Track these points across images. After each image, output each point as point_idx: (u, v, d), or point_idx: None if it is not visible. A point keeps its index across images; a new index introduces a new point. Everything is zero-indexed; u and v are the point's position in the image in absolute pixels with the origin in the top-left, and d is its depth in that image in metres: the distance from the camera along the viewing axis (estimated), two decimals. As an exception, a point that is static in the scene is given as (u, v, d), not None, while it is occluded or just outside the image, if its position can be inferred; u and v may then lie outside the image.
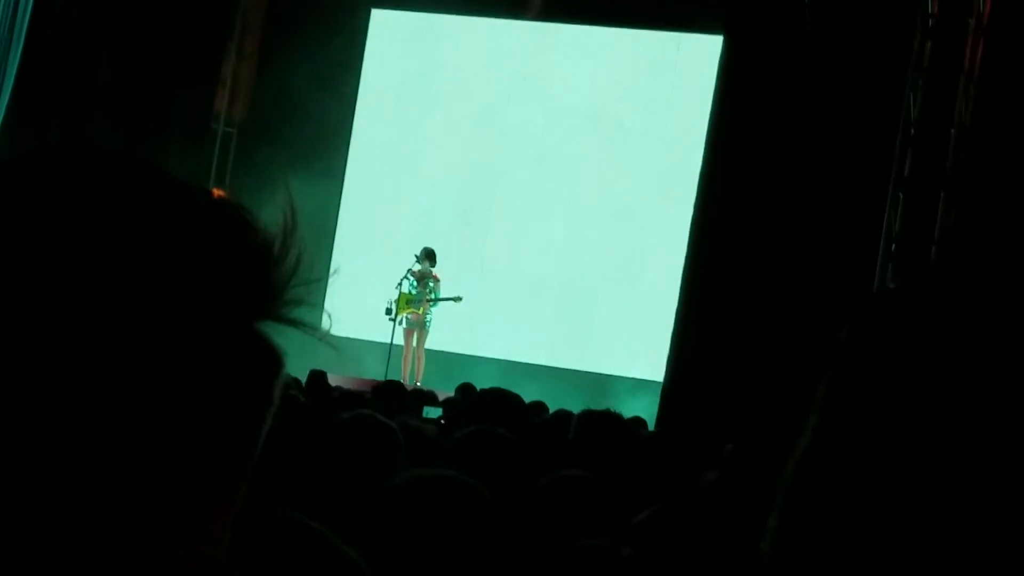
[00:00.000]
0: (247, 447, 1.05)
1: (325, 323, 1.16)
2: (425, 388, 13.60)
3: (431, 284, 17.43)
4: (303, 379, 11.56)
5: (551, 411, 10.03)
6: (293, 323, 1.08)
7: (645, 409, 13.91)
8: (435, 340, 17.64)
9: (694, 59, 17.89)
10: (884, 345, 1.04)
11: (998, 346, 0.99)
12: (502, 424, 6.67)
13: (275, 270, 1.07)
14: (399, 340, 17.35)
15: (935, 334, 1.01)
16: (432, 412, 9.77)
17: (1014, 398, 0.96)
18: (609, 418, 5.95)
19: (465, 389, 10.87)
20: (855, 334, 1.09)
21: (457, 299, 17.30)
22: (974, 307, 1.01)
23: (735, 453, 5.03)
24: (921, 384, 1.00)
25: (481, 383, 11.45)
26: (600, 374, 17.63)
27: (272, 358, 1.07)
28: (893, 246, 13.41)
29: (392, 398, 9.83)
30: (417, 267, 17.44)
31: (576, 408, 10.73)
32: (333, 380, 13.18)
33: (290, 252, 1.08)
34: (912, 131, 13.50)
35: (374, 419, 4.27)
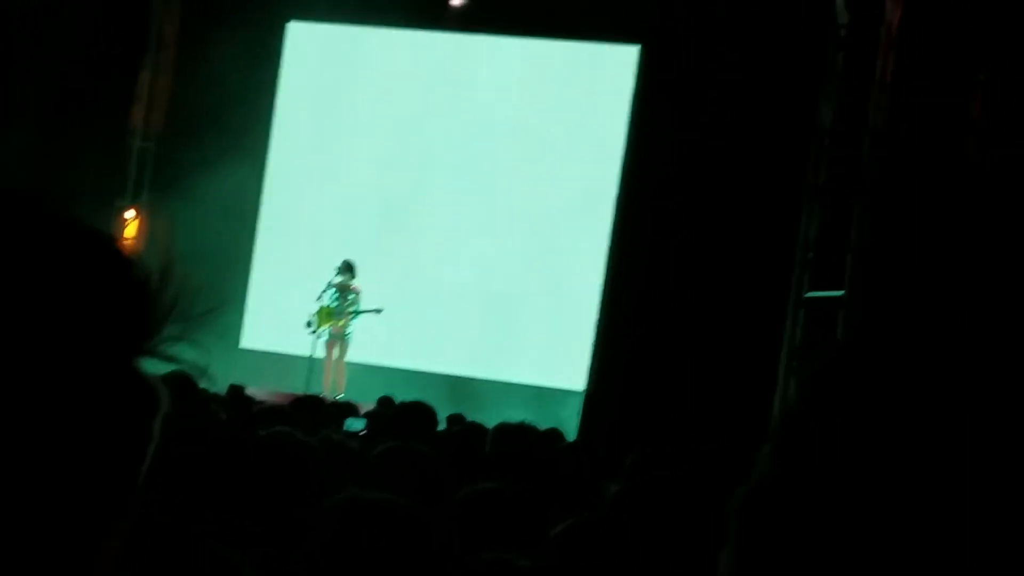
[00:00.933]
0: (127, 484, 1.04)
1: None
2: (345, 401, 13.55)
3: (351, 296, 17.41)
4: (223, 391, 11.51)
5: (469, 422, 10.05)
6: (170, 359, 1.08)
7: (571, 419, 13.96)
8: (356, 352, 17.61)
9: (612, 69, 17.98)
10: (841, 391, 1.06)
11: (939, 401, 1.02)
12: (420, 437, 6.69)
13: (152, 307, 1.06)
14: (320, 353, 17.31)
15: (884, 388, 1.04)
16: (355, 425, 9.76)
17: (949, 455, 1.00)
18: (524, 431, 5.98)
19: (385, 402, 10.87)
20: (815, 379, 1.10)
21: (377, 311, 17.28)
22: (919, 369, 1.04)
23: (637, 463, 5.06)
24: (871, 431, 1.02)
25: (402, 395, 11.45)
26: (522, 384, 17.66)
27: (149, 395, 1.07)
28: (810, 254, 13.54)
29: (313, 412, 9.79)
30: (337, 279, 17.41)
31: (494, 419, 10.78)
32: (255, 394, 13.13)
33: (168, 288, 1.09)
34: (826, 140, 13.65)
35: (292, 436, 4.27)
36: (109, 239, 1.07)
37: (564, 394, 16.50)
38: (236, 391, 12.00)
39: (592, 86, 18.48)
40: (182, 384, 8.31)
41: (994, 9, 12.61)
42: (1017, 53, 12.60)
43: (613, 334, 14.55)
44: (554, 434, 8.92)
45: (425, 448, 4.66)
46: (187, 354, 1.13)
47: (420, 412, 7.62)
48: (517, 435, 5.90)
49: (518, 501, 3.59)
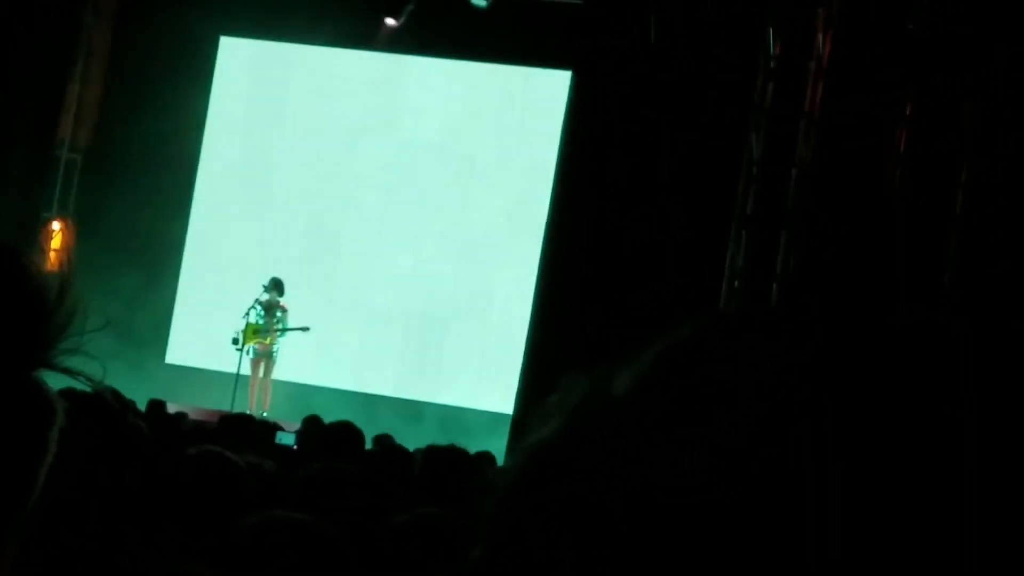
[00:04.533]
0: (21, 494, 1.04)
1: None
2: (271, 419, 13.49)
3: (279, 314, 17.35)
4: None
5: (397, 443, 10.05)
6: (67, 371, 1.08)
7: (494, 442, 13.94)
8: (282, 370, 17.54)
9: (543, 93, 18.06)
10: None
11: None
12: (347, 457, 6.69)
13: (49, 319, 1.06)
14: (246, 370, 17.22)
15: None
16: (286, 439, 9.75)
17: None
18: (454, 454, 5.99)
19: (312, 421, 10.82)
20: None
21: (305, 329, 17.23)
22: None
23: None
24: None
25: (328, 414, 11.39)
26: (449, 406, 17.67)
27: (44, 407, 1.08)
28: (736, 282, 13.65)
29: (240, 429, 9.76)
30: (265, 297, 17.34)
31: (423, 441, 10.79)
32: (181, 409, 13.06)
33: (66, 302, 1.09)
34: (754, 170, 13.77)
35: (221, 456, 4.26)
36: (9, 251, 1.07)
37: (491, 416, 16.50)
38: (155, 406, 11.93)
39: (523, 110, 18.56)
40: (101, 398, 8.26)
41: (921, 45, 12.80)
42: (942, 88, 12.79)
43: (541, 359, 14.54)
44: (486, 458, 8.94)
45: (353, 470, 4.67)
46: (84, 367, 1.13)
47: (348, 432, 7.62)
48: (447, 459, 5.91)
49: (455, 527, 3.60)
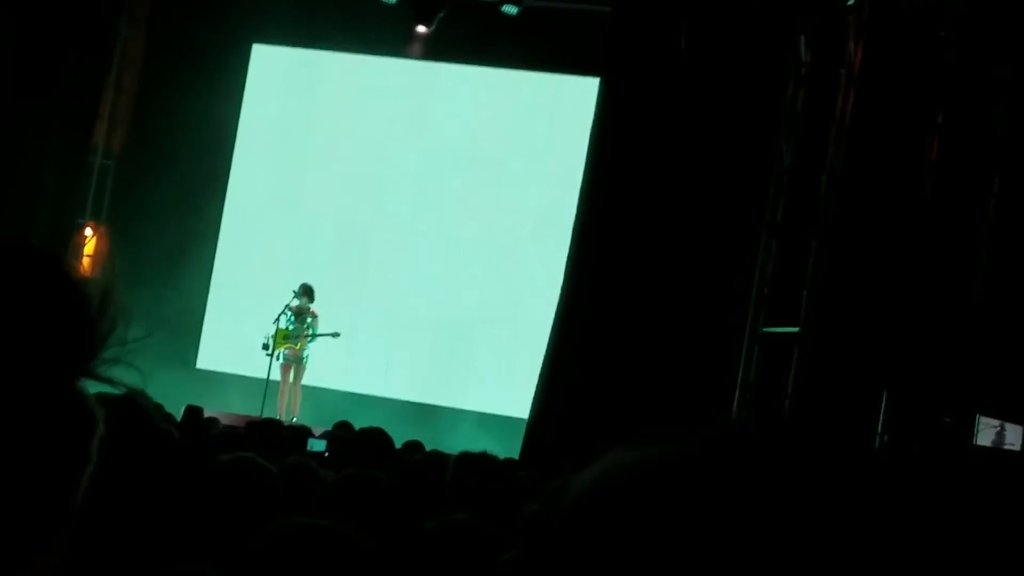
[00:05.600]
0: (65, 502, 1.05)
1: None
2: (300, 424, 13.53)
3: (309, 320, 17.40)
4: (178, 414, 11.50)
5: (427, 450, 10.08)
6: (109, 381, 1.10)
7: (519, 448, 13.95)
8: (312, 376, 17.58)
9: (572, 100, 18.08)
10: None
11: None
12: (377, 463, 6.72)
13: (93, 328, 1.08)
14: (276, 376, 17.27)
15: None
16: (317, 445, 9.78)
17: None
18: (486, 461, 6.01)
19: (342, 426, 10.86)
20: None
21: (335, 335, 17.27)
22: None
23: (559, 487, 5.08)
24: None
25: (358, 420, 11.44)
26: (479, 412, 17.69)
27: (87, 417, 1.09)
28: (766, 290, 13.63)
29: (270, 435, 9.79)
30: (295, 303, 17.40)
31: (451, 446, 10.81)
32: (209, 414, 13.10)
33: (108, 310, 1.10)
34: (785, 178, 13.74)
35: (253, 462, 4.29)
36: (55, 260, 1.08)
37: (519, 422, 16.48)
38: (193, 412, 11.98)
39: (553, 117, 18.58)
40: (134, 403, 8.31)
41: (953, 52, 12.76)
42: (974, 95, 12.75)
43: (562, 364, 14.49)
44: (513, 464, 8.95)
45: (385, 476, 4.69)
46: (126, 376, 1.14)
47: (377, 438, 7.66)
48: (479, 466, 5.93)
49: (486, 533, 3.62)
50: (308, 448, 9.26)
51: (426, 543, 3.56)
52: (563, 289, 14.92)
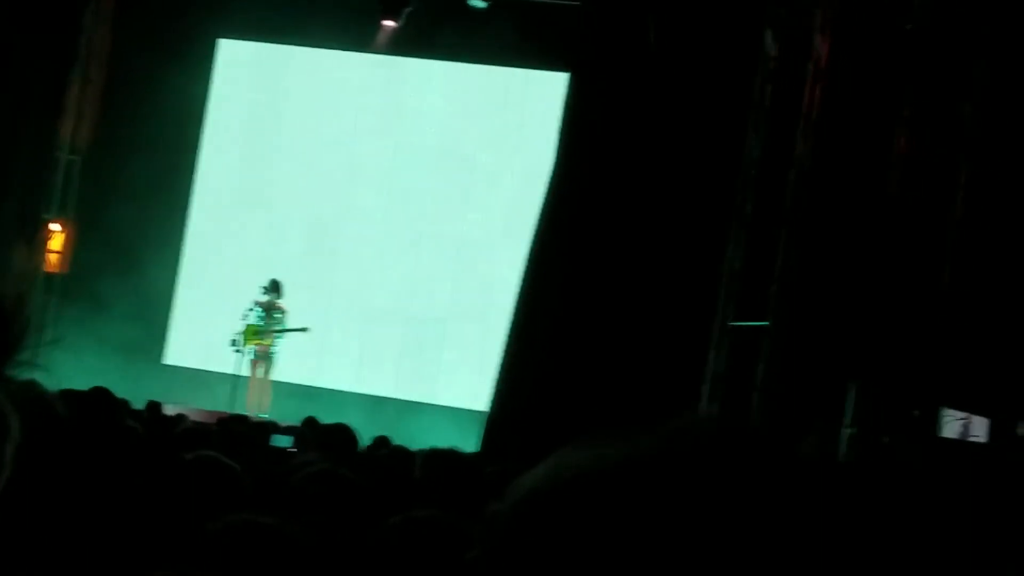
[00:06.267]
0: None
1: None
2: (268, 420, 13.51)
3: (277, 315, 17.37)
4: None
5: (395, 445, 10.07)
6: (19, 384, 1.09)
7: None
8: (283, 371, 17.55)
9: (541, 95, 18.08)
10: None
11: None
12: (343, 458, 6.70)
13: (5, 334, 1.07)
14: (245, 371, 17.24)
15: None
16: (282, 441, 9.76)
17: None
18: (453, 457, 6.00)
19: (309, 423, 10.83)
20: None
21: (304, 330, 17.25)
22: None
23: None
24: None
25: (327, 415, 11.42)
26: (450, 407, 17.68)
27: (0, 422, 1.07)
28: (734, 284, 13.65)
29: (235, 431, 9.77)
30: (264, 298, 17.37)
31: (422, 441, 10.80)
32: (179, 411, 13.07)
33: (20, 317, 1.09)
34: (753, 171, 13.77)
35: (216, 460, 4.27)
36: None
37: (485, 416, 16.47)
38: (154, 407, 11.95)
39: (522, 112, 18.58)
40: (100, 398, 8.28)
41: (919, 45, 12.80)
42: (941, 88, 12.80)
43: (524, 356, 14.48)
44: (482, 458, 8.94)
45: (349, 472, 4.68)
46: (42, 379, 1.12)
47: (342, 434, 7.65)
48: (447, 461, 5.93)
49: (452, 529, 3.61)
50: (273, 444, 9.23)
51: (390, 540, 3.55)
52: (523, 281, 14.90)
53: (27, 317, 1.04)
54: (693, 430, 1.06)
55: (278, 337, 17.36)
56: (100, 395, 8.33)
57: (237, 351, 17.05)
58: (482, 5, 17.77)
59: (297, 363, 17.70)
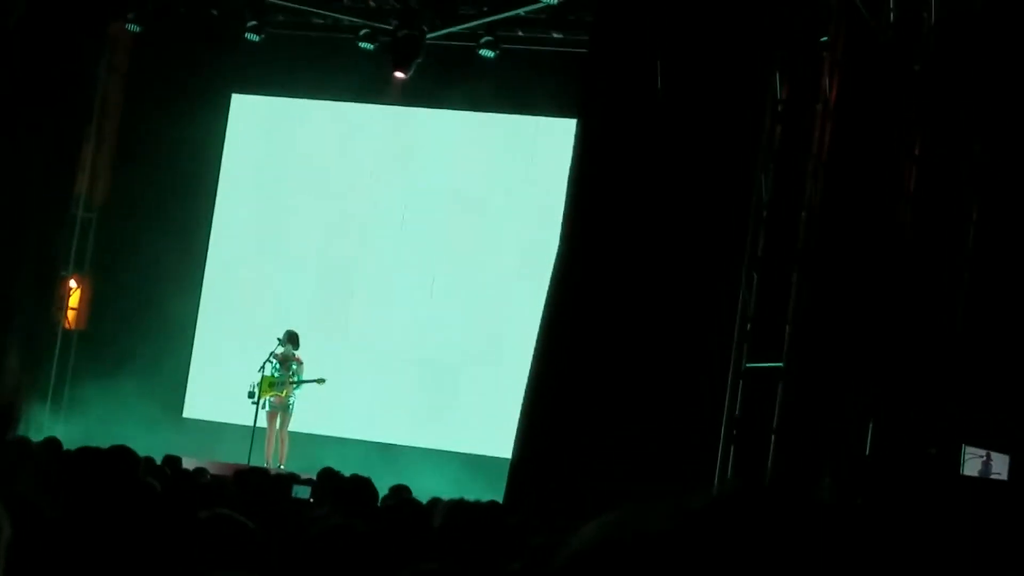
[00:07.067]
0: None
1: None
2: (287, 472, 13.53)
3: (294, 367, 17.40)
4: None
5: (412, 493, 10.09)
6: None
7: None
8: (298, 422, 17.58)
9: (551, 141, 18.14)
10: None
11: None
12: (361, 510, 6.73)
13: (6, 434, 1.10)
14: (262, 423, 17.26)
15: None
16: (301, 492, 9.80)
17: None
18: (474, 509, 6.01)
19: (326, 474, 10.87)
20: None
21: (320, 381, 17.27)
22: None
23: (542, 546, 5.10)
24: None
25: (345, 464, 11.46)
26: (463, 453, 17.68)
27: None
28: (748, 325, 13.65)
29: (255, 484, 9.81)
30: (280, 350, 17.40)
31: (439, 488, 10.82)
32: (199, 464, 13.10)
33: (19, 418, 1.11)
34: (764, 212, 13.79)
35: (232, 519, 4.30)
36: None
37: (503, 462, 16.43)
38: (172, 462, 12.00)
39: (532, 157, 18.66)
40: (120, 456, 8.32)
41: (927, 85, 12.85)
42: (950, 126, 12.83)
43: (543, 403, 14.46)
44: (502, 508, 8.95)
45: (364, 525, 4.70)
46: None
47: (361, 487, 7.67)
48: (467, 513, 5.95)
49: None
50: (293, 495, 9.28)
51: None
52: (541, 328, 14.89)
53: (16, 422, 1.07)
54: (736, 497, 1.13)
55: (295, 388, 17.39)
56: (120, 453, 8.37)
57: (254, 403, 17.07)
58: (491, 55, 17.89)
59: (315, 414, 17.71)
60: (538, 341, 14.86)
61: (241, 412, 17.25)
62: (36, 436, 13.36)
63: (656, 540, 1.09)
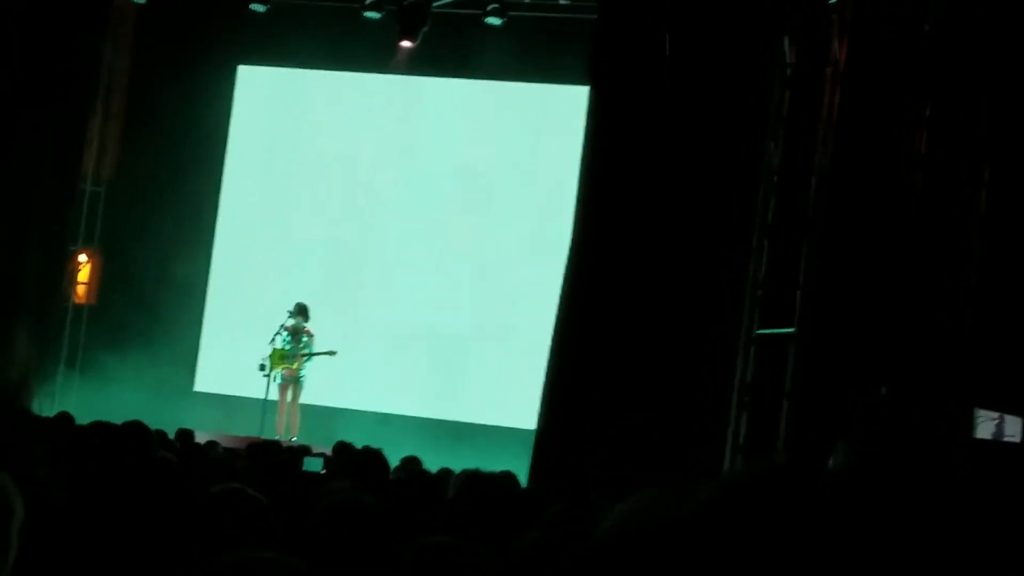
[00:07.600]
0: None
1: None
2: (299, 445, 13.54)
3: (305, 339, 17.40)
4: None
5: (424, 464, 10.10)
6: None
7: (516, 458, 13.96)
8: (310, 394, 17.59)
9: (561, 110, 18.10)
10: None
11: None
12: (373, 483, 6.72)
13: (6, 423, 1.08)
14: (273, 395, 17.28)
15: None
16: (313, 464, 9.80)
17: None
18: (487, 480, 6.00)
19: (340, 447, 10.86)
20: None
21: (332, 353, 17.27)
22: None
23: (557, 514, 5.08)
24: None
25: (357, 437, 11.46)
26: (473, 424, 17.70)
27: (4, 503, 1.08)
28: (759, 291, 13.62)
29: (267, 457, 9.81)
30: (290, 322, 17.40)
31: (450, 459, 10.81)
32: (210, 437, 13.12)
33: (29, 405, 1.10)
34: (775, 178, 13.74)
35: (243, 493, 4.28)
36: None
37: (515, 433, 16.46)
38: (185, 436, 12.02)
39: (542, 128, 18.60)
40: (134, 432, 8.33)
41: (937, 45, 12.76)
42: (961, 87, 12.76)
43: (563, 374, 14.49)
44: (508, 477, 8.94)
45: (373, 500, 4.68)
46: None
47: (373, 459, 7.67)
48: (481, 485, 5.93)
49: (468, 555, 3.62)
50: (305, 468, 9.28)
51: (405, 566, 3.56)
52: (561, 299, 14.88)
53: (28, 404, 1.05)
54: (763, 479, 1.13)
55: (306, 360, 17.40)
56: (134, 428, 8.39)
57: (265, 375, 17.09)
58: (498, 22, 17.81)
59: (326, 386, 17.73)
60: (558, 312, 14.84)
61: (252, 385, 17.27)
62: (48, 411, 13.42)
63: (684, 523, 1.09)
